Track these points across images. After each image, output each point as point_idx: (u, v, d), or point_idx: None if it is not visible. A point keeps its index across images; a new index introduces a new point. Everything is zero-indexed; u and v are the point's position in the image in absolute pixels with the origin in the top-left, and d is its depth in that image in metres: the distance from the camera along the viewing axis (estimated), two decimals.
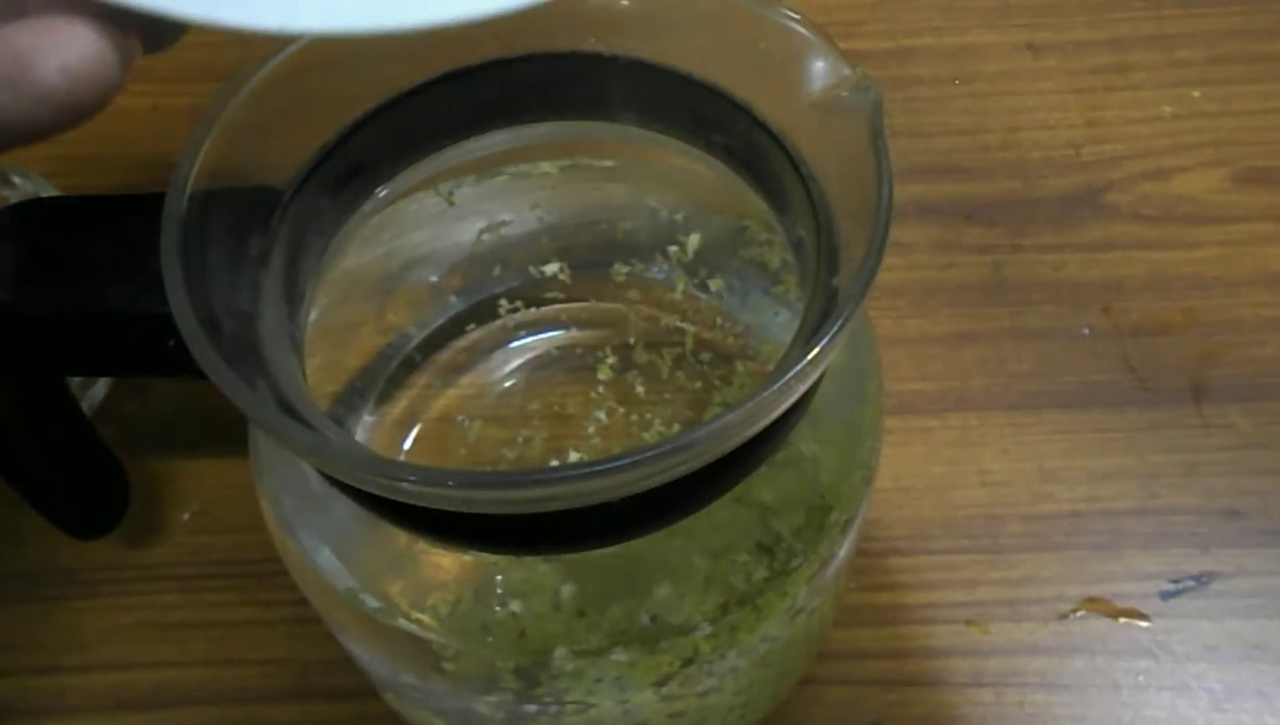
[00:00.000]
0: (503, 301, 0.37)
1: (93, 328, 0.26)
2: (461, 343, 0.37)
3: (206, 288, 0.23)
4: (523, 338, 0.37)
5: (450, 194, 0.34)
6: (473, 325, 0.37)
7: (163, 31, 0.21)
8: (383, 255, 0.34)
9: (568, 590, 0.29)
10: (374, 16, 0.21)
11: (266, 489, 0.28)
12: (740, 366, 0.36)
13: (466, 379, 0.37)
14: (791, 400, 0.22)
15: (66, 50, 0.20)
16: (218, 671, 0.37)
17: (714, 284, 0.36)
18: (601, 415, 0.36)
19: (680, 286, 0.36)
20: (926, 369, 0.43)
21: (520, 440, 0.36)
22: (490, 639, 0.28)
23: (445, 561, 0.30)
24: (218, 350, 0.21)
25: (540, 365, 0.37)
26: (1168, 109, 0.49)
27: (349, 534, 0.28)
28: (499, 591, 0.30)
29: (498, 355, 0.37)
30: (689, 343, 0.36)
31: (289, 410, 0.22)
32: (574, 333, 0.37)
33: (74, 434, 0.33)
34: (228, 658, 0.38)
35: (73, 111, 0.20)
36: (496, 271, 0.36)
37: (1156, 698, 0.36)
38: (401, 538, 0.29)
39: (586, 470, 0.20)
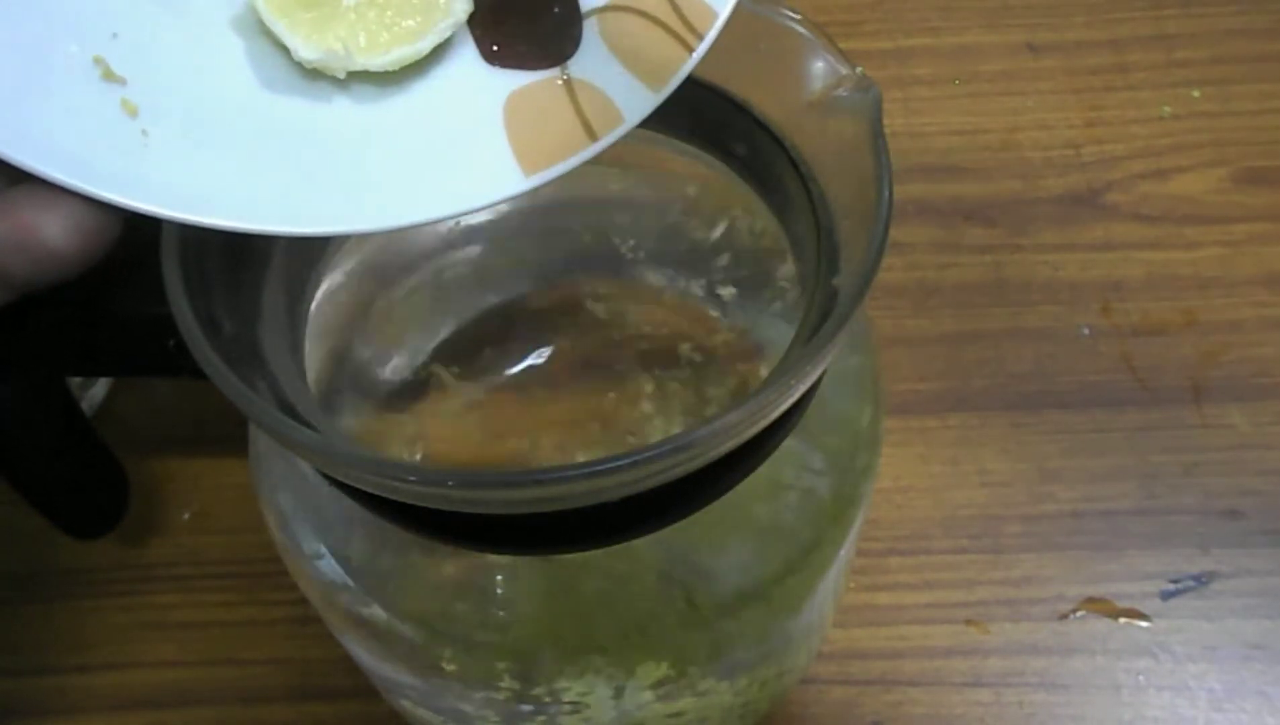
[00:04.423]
0: (501, 301, 0.37)
1: (93, 328, 0.26)
2: (461, 342, 0.37)
3: (206, 288, 0.23)
4: (522, 337, 0.37)
5: None
6: (472, 325, 0.37)
7: None
8: (382, 255, 0.34)
9: (566, 591, 0.29)
10: (339, 222, 0.22)
11: (266, 489, 0.28)
12: (741, 366, 0.36)
13: (466, 378, 0.37)
14: (791, 400, 0.22)
15: (72, 211, 0.21)
16: (218, 671, 0.37)
17: (714, 284, 0.36)
18: (603, 415, 0.36)
19: (680, 286, 0.36)
20: (926, 369, 0.43)
21: (521, 440, 0.36)
22: (489, 639, 0.28)
23: (445, 561, 0.30)
24: (217, 351, 0.21)
25: (541, 365, 0.37)
26: (1167, 109, 0.49)
27: (349, 534, 0.28)
28: (498, 592, 0.29)
29: (498, 355, 0.37)
30: (689, 342, 0.36)
31: (289, 410, 0.22)
32: (573, 333, 0.37)
33: (74, 434, 0.32)
34: (228, 658, 0.38)
35: (81, 263, 0.21)
36: (496, 271, 0.36)
37: (1156, 698, 0.36)
38: (401, 537, 0.29)
39: (586, 470, 0.20)
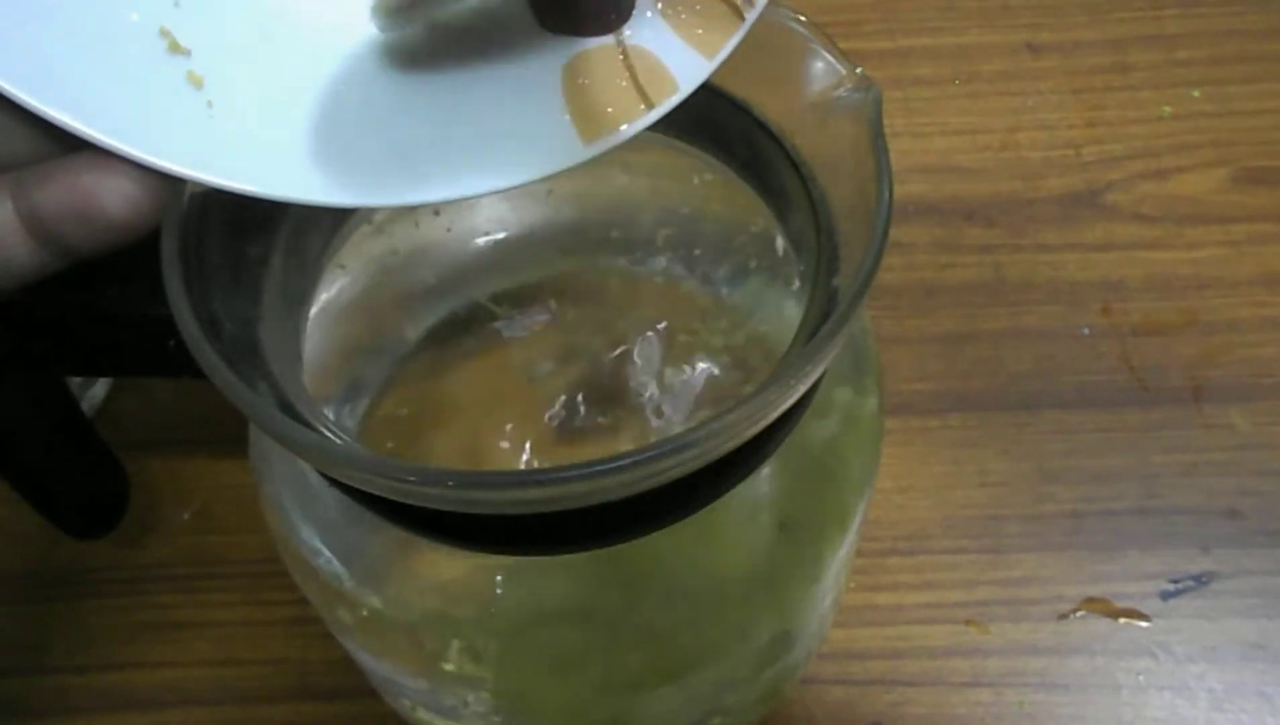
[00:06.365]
0: (502, 300, 0.37)
1: (94, 328, 0.26)
2: (460, 341, 0.37)
3: (206, 288, 0.23)
4: (522, 336, 0.37)
5: None
6: (472, 323, 0.37)
7: None
8: (381, 255, 0.34)
9: (566, 590, 0.29)
10: (401, 194, 0.22)
11: (266, 488, 0.28)
12: (742, 365, 0.36)
13: (466, 377, 0.37)
14: (792, 400, 0.22)
15: (131, 180, 0.20)
16: (218, 671, 0.37)
17: (715, 283, 0.36)
18: (603, 414, 0.36)
19: (680, 285, 0.36)
20: (926, 369, 0.43)
21: (521, 439, 0.36)
22: (488, 639, 0.28)
23: (445, 561, 0.30)
24: (217, 351, 0.21)
25: (540, 364, 0.37)
26: (1167, 109, 0.49)
27: (349, 534, 0.28)
28: (498, 592, 0.29)
29: (497, 353, 0.37)
30: (689, 341, 0.36)
31: (289, 410, 0.22)
32: (574, 332, 0.37)
33: (74, 434, 0.32)
34: (228, 658, 0.38)
35: (138, 232, 0.21)
36: (496, 270, 0.36)
37: (1156, 698, 0.36)
38: (401, 538, 0.29)
39: (586, 470, 0.20)
